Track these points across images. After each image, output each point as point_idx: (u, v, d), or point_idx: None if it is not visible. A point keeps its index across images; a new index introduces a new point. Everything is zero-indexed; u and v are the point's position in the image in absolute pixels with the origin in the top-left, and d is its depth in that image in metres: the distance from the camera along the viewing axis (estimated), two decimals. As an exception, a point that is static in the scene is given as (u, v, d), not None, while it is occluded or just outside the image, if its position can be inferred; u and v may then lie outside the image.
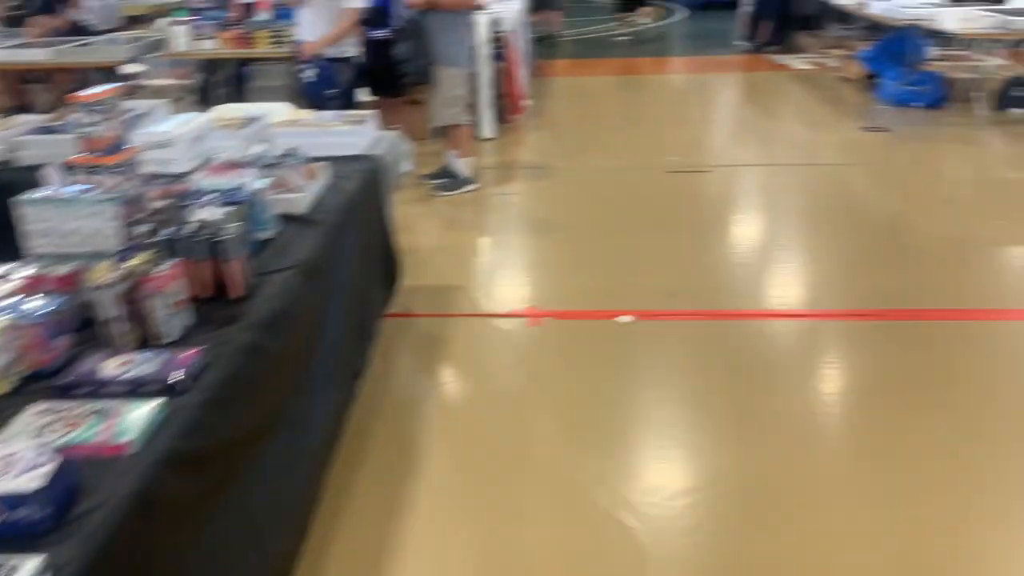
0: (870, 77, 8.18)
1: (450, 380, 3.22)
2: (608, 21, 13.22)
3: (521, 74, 7.81)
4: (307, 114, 3.61)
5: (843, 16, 9.55)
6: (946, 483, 2.50)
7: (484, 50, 6.46)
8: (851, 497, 2.47)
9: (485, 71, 6.51)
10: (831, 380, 3.21)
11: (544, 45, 11.85)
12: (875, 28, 8.56)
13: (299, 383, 2.19)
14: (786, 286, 4.09)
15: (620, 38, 12.35)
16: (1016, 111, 7.01)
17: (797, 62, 9.92)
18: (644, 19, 12.64)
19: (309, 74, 4.89)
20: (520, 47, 7.94)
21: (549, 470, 2.64)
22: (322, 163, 2.88)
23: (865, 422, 2.87)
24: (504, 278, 4.25)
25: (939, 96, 7.31)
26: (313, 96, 4.84)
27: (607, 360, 3.33)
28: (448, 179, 5.43)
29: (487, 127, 6.66)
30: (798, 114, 7.87)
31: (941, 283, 3.95)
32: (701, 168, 5.92)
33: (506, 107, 7.20)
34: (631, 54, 11.55)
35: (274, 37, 6.49)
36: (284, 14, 5.81)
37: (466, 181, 5.41)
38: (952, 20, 6.59)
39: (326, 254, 2.45)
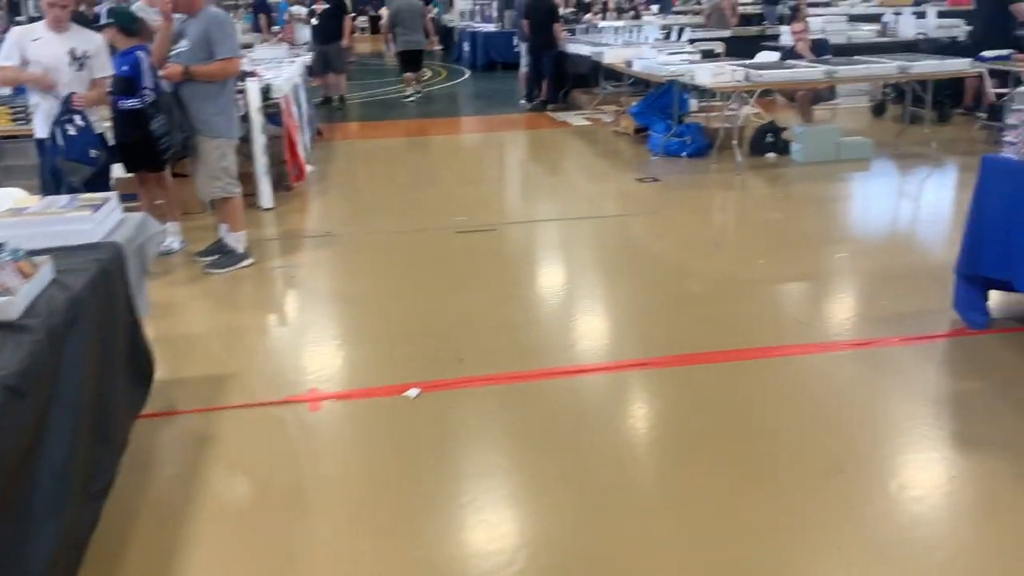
0: (641, 130, 8.66)
1: (218, 483, 2.90)
2: (395, 83, 13.28)
3: (302, 139, 7.59)
4: (35, 200, 3.21)
5: (614, 73, 10.10)
6: (752, 525, 2.52)
7: (257, 117, 6.21)
8: (663, 552, 2.42)
9: (259, 138, 6.24)
10: (631, 434, 3.18)
11: (330, 108, 11.70)
12: (643, 84, 9.11)
13: (4, 522, 1.84)
14: (578, 341, 4.09)
15: (408, 99, 12.42)
16: (769, 155, 7.64)
17: (576, 118, 10.35)
18: (417, 83, 12.84)
19: (75, 125, 4.45)
20: (299, 112, 7.73)
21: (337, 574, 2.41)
22: (44, 257, 2.53)
23: (669, 472, 2.87)
24: (283, 360, 3.96)
25: (702, 145, 7.83)
26: (77, 154, 4.45)
27: (396, 441, 3.14)
28: (222, 255, 5.09)
29: (265, 196, 6.36)
30: (579, 168, 8.16)
31: (726, 325, 4.11)
32: (489, 226, 5.93)
33: (287, 174, 6.94)
34: (419, 115, 11.63)
35: (16, 113, 5.92)
36: (22, 89, 5.29)
37: (242, 256, 5.09)
38: (705, 75, 7.10)
39: (42, 364, 2.12)
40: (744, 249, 5.36)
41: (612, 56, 9.26)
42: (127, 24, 4.91)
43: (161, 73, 4.71)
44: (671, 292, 4.59)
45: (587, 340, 4.09)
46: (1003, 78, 7.92)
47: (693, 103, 9.04)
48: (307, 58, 9.91)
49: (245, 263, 5.07)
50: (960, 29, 10.34)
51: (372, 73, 16.45)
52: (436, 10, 22.88)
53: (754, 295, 4.49)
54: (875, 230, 5.78)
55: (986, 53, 7.81)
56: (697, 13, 16.10)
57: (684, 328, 4.11)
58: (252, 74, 6.56)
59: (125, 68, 4.73)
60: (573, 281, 4.97)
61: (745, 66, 7.24)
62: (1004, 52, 7.72)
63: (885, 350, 3.76)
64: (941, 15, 11.16)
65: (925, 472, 2.86)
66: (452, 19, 20.24)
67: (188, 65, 4.62)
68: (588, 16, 17.37)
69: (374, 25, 27.26)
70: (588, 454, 2.99)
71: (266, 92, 6.44)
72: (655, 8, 18.64)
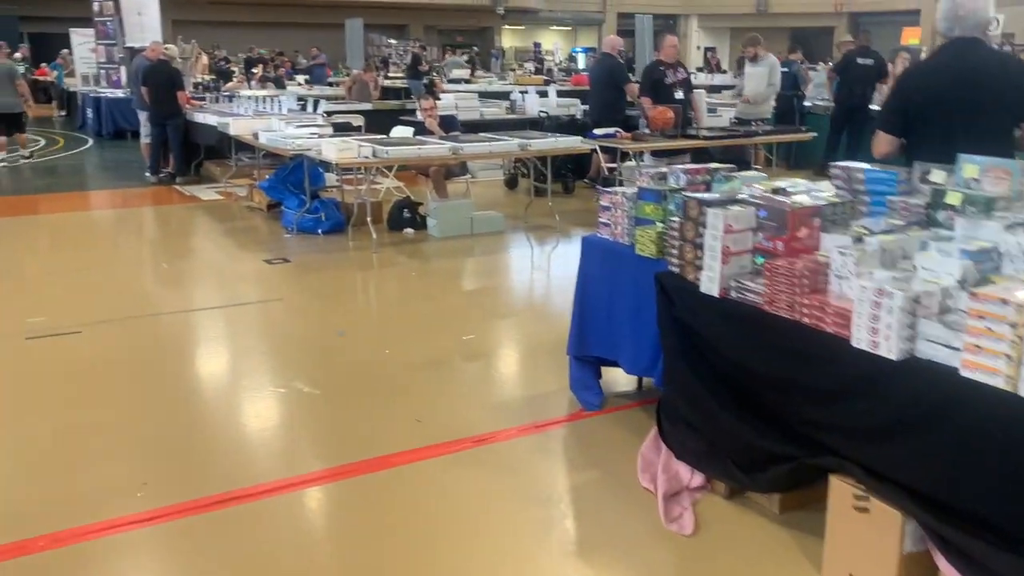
0: (275, 205, 8.10)
1: None
2: (-9, 153, 11.39)
3: None
4: None
5: (245, 145, 9.45)
6: None
7: None
8: None
9: None
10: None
11: None
12: (277, 156, 8.57)
13: None
14: (151, 485, 3.37)
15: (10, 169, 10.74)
16: (408, 231, 7.47)
17: (207, 192, 9.52)
18: (23, 148, 11.23)
19: None
20: None
21: None
22: None
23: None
24: None
25: (338, 221, 7.45)
26: None
27: None
28: None
29: None
30: (201, 250, 7.38)
31: (343, 434, 3.67)
32: (74, 328, 4.95)
33: None
34: (16, 191, 10.00)
35: None
36: None
37: None
38: (330, 150, 6.76)
39: None
40: (372, 336, 4.99)
41: (238, 127, 8.63)
42: None
43: None
44: (279, 398, 4.04)
45: (157, 482, 3.38)
46: (614, 153, 8.56)
47: (331, 177, 8.68)
48: None
49: None
50: (577, 108, 11.18)
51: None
52: (56, 73, 20.57)
53: (376, 392, 4.10)
54: (504, 308, 5.73)
55: (596, 131, 8.39)
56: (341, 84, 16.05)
57: (287, 447, 3.59)
58: None
59: None
60: (145, 398, 4.02)
61: (372, 142, 7.03)
62: (611, 130, 8.35)
63: (503, 444, 3.54)
64: (560, 94, 12.04)
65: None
66: (74, 83, 18.12)
67: None
68: (230, 84, 16.55)
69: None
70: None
71: None
72: (302, 79, 18.32)
